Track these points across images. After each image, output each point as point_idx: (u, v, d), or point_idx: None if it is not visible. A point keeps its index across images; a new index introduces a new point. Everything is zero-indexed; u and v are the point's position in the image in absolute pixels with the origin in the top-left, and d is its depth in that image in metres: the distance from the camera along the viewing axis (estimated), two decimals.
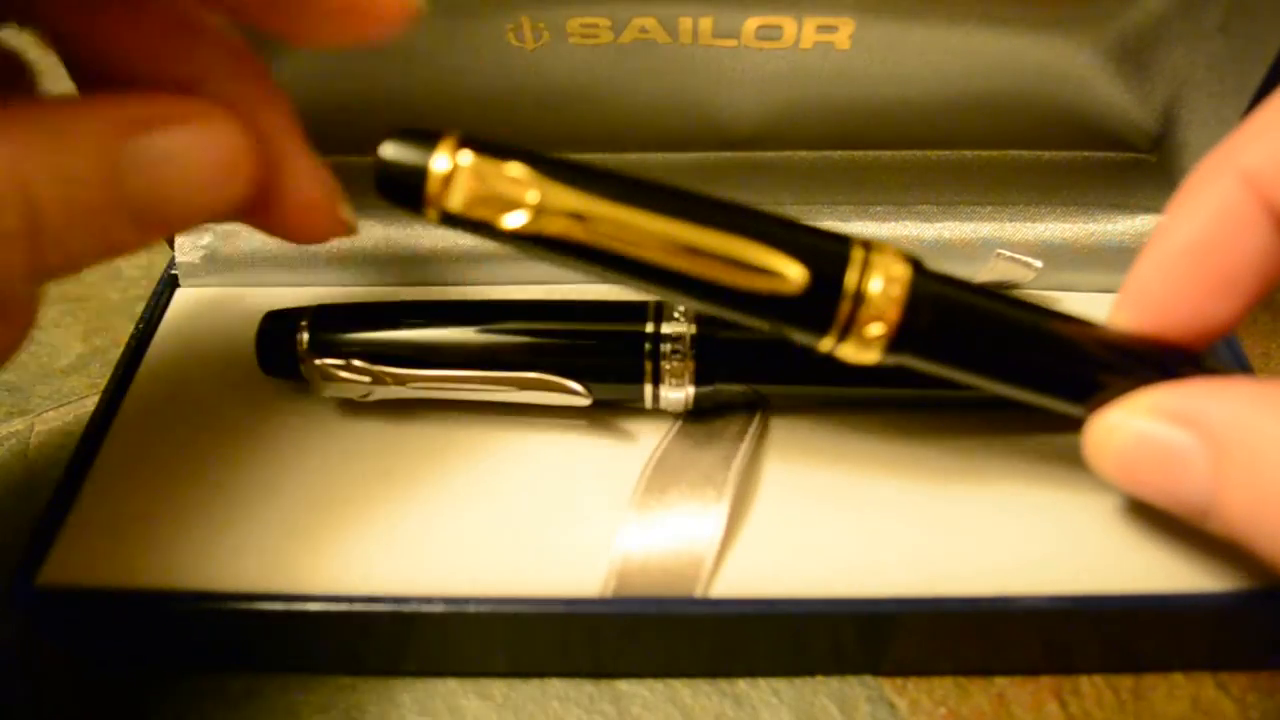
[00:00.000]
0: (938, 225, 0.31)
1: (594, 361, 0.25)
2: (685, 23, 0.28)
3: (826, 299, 0.20)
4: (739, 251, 0.20)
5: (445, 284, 0.31)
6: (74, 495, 0.25)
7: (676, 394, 0.25)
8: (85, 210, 0.18)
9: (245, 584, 0.23)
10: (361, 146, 0.32)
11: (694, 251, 0.20)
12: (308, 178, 0.22)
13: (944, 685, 0.24)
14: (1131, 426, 0.21)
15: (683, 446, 0.25)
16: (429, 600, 0.22)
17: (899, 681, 0.24)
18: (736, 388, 0.26)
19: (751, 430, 0.26)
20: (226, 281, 0.31)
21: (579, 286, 0.31)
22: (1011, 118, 0.31)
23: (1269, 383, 0.20)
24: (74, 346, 0.33)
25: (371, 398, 0.26)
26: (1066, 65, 0.29)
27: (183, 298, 0.31)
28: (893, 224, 0.31)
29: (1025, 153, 0.33)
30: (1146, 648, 0.24)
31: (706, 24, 0.28)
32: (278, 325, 0.26)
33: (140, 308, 0.31)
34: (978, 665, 0.24)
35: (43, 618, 0.23)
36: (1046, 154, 0.33)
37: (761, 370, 0.25)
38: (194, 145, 0.19)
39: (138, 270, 0.36)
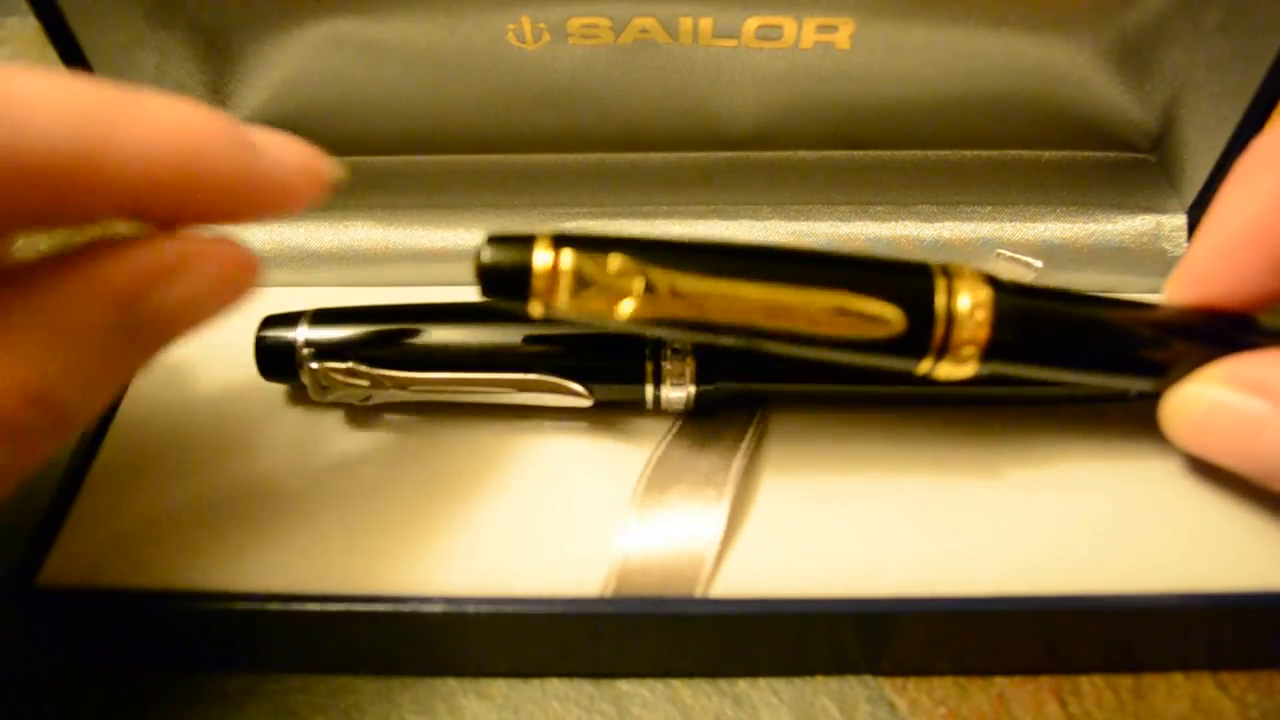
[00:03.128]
0: (938, 225, 0.31)
1: (595, 362, 0.25)
2: (685, 23, 0.28)
3: (922, 326, 0.21)
4: (840, 304, 0.21)
5: (445, 284, 0.31)
6: (74, 495, 0.25)
7: (677, 393, 0.25)
8: (106, 380, 0.19)
9: (245, 584, 0.23)
10: (362, 146, 0.33)
11: (797, 311, 0.21)
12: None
13: (944, 685, 0.24)
14: (1208, 395, 0.22)
15: (683, 447, 0.25)
16: (429, 600, 0.22)
17: (899, 681, 0.24)
18: (737, 387, 0.26)
19: (751, 430, 0.26)
20: None
21: None
22: (1011, 118, 0.31)
23: None
24: None
25: (371, 401, 0.26)
26: (1066, 65, 0.29)
27: None
28: (893, 224, 0.31)
29: (1025, 153, 0.33)
30: (1146, 648, 0.24)
31: (707, 24, 0.28)
32: (276, 329, 0.26)
33: None
34: (978, 665, 0.24)
35: (43, 618, 0.23)
36: (1046, 154, 0.33)
37: (761, 368, 0.25)
38: (199, 283, 0.19)
39: None
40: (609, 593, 0.23)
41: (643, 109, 0.31)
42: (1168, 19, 0.28)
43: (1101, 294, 0.24)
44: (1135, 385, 0.24)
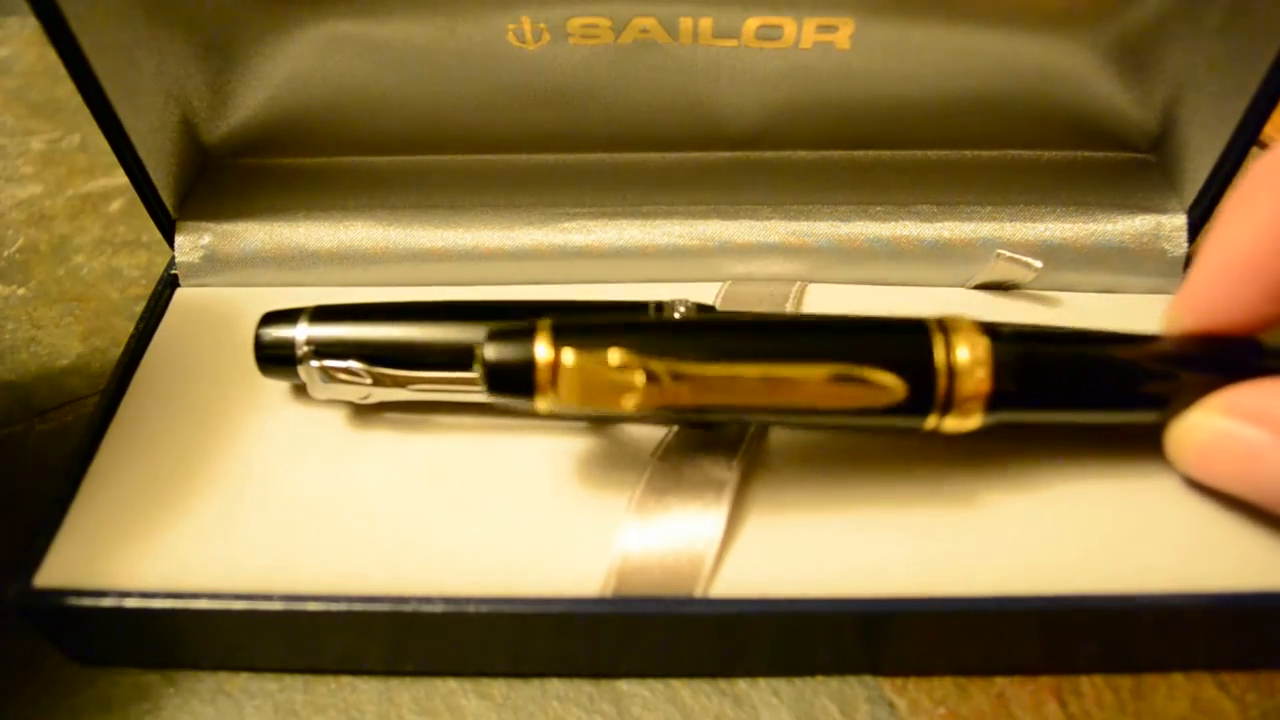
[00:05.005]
0: (938, 225, 0.31)
1: None
2: (685, 23, 0.28)
3: (924, 385, 0.22)
4: (840, 375, 0.21)
5: (445, 284, 0.31)
6: (73, 495, 0.25)
7: None
8: None
9: (245, 584, 0.23)
10: (362, 147, 0.33)
11: (798, 386, 0.21)
12: None
13: (944, 685, 0.24)
14: (1210, 425, 0.23)
15: (683, 447, 0.25)
16: (429, 600, 0.22)
17: (899, 681, 0.24)
18: None
19: (752, 431, 0.26)
20: (226, 281, 0.31)
21: (579, 286, 0.31)
22: (1011, 118, 0.31)
23: None
24: (74, 346, 0.33)
25: (371, 400, 0.26)
26: (1066, 65, 0.29)
27: (183, 298, 0.31)
28: (893, 224, 0.31)
29: (1025, 153, 0.33)
30: (1146, 648, 0.24)
31: (707, 24, 0.28)
32: (275, 326, 0.26)
33: (140, 308, 0.31)
34: (978, 665, 0.24)
35: (42, 618, 0.23)
36: (1046, 154, 0.33)
37: None
38: None
39: (137, 270, 0.36)
40: (609, 593, 0.23)
41: (643, 109, 0.31)
42: (1168, 19, 0.28)
43: (1097, 330, 0.24)
44: (1140, 419, 0.24)
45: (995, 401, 0.22)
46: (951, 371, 0.22)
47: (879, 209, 0.31)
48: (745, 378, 0.21)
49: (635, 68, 0.29)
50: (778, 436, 0.26)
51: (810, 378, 0.21)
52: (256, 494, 0.25)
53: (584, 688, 0.24)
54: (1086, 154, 0.32)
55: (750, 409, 0.22)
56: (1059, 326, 0.25)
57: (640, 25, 0.28)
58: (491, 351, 0.21)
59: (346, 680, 0.25)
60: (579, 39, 0.28)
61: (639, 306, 0.26)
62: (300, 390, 0.27)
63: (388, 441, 0.26)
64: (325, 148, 0.33)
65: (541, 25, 0.28)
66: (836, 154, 0.33)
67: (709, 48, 0.29)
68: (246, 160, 0.33)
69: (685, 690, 0.24)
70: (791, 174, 0.32)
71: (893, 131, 0.32)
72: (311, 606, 0.22)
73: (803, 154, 0.33)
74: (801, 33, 0.28)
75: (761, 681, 0.24)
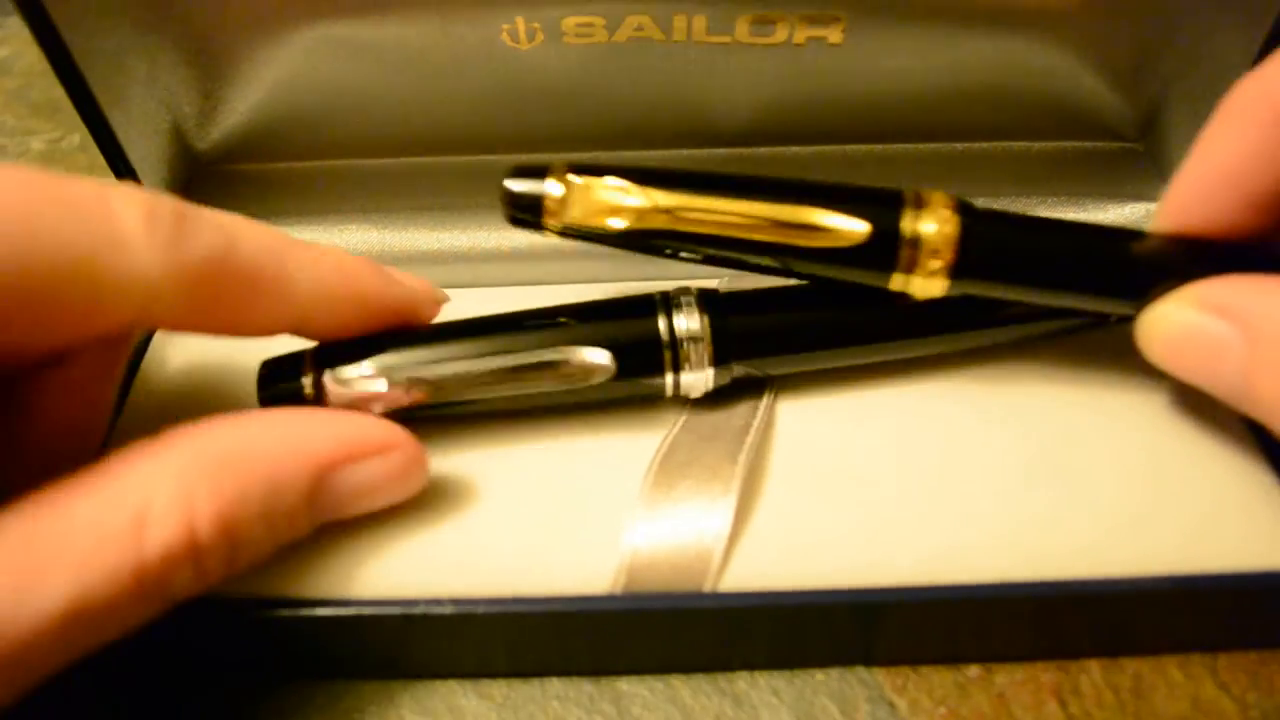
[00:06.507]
0: None
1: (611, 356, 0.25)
2: (679, 20, 0.28)
3: (888, 245, 0.24)
4: (808, 217, 0.24)
5: (443, 285, 0.31)
6: None
7: (696, 377, 0.25)
8: (275, 531, 0.21)
9: (248, 589, 0.23)
10: (355, 149, 0.33)
11: (771, 223, 0.24)
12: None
13: (944, 685, 0.24)
14: (1178, 317, 0.23)
15: (689, 440, 0.25)
16: (438, 602, 0.22)
17: (899, 681, 0.24)
18: (750, 367, 0.26)
19: (757, 423, 0.26)
20: None
21: (579, 286, 0.30)
22: (1002, 110, 0.31)
23: None
24: None
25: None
26: (1055, 57, 0.29)
27: None
28: None
29: (1015, 144, 0.33)
30: (1146, 631, 0.24)
31: (700, 22, 0.28)
32: (279, 372, 0.25)
33: None
34: (986, 654, 0.24)
35: None
36: (1036, 145, 0.33)
37: (777, 342, 0.26)
38: (386, 472, 0.22)
39: None
40: (619, 589, 0.23)
41: (637, 107, 0.31)
42: (1155, 10, 0.28)
43: (1077, 221, 0.25)
44: (1112, 308, 0.25)
45: (960, 270, 0.24)
46: (916, 236, 0.23)
47: None
48: (720, 210, 0.24)
49: (630, 66, 0.29)
50: (784, 428, 0.26)
51: (779, 217, 0.24)
52: None
53: (584, 687, 0.24)
54: (1076, 144, 0.33)
55: (727, 241, 0.24)
56: (1042, 217, 0.26)
57: (634, 24, 0.28)
58: (512, 184, 0.24)
59: (347, 681, 0.25)
60: (573, 38, 0.28)
61: (644, 300, 0.26)
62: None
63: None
64: (318, 151, 0.32)
65: (535, 25, 0.28)
66: (830, 149, 0.33)
67: (703, 45, 0.29)
68: (239, 166, 0.33)
69: (685, 690, 0.24)
70: (786, 169, 0.32)
71: (885, 125, 0.32)
72: (320, 611, 0.22)
73: (796, 149, 0.33)
74: (794, 29, 0.28)
75: (762, 681, 0.24)
